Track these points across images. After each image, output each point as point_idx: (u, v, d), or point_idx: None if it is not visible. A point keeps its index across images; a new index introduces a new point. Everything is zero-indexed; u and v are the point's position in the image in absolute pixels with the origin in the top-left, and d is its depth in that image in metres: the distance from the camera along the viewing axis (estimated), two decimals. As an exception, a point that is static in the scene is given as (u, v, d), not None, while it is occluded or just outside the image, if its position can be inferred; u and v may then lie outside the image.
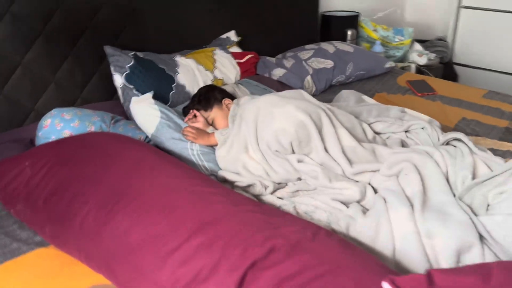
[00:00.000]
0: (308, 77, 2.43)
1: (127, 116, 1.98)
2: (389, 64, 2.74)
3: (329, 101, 2.34)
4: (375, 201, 1.35)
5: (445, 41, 3.86)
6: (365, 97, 2.04)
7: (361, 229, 1.25)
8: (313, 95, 2.43)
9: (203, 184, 1.24)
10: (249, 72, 2.48)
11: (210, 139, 1.74)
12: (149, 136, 1.76)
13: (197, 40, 2.45)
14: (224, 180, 1.64)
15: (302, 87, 2.40)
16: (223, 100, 1.91)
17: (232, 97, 1.98)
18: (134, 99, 1.82)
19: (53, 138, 1.63)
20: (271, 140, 1.53)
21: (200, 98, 1.91)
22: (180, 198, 1.16)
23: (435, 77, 2.97)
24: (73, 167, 1.29)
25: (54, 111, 1.69)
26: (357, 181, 1.50)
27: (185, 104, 1.99)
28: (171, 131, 1.73)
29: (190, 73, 2.16)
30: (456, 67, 3.94)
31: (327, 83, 2.51)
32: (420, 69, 3.24)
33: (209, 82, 2.23)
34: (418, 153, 1.48)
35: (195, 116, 1.84)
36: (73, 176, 1.25)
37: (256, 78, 2.38)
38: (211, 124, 1.87)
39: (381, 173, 1.48)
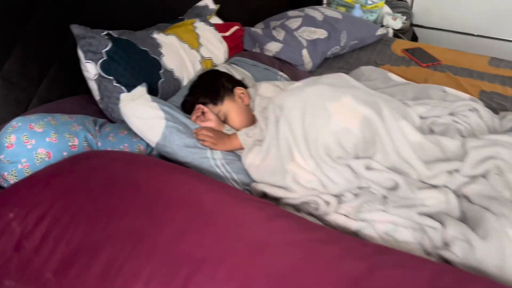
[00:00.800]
0: (304, 51, 2.09)
1: (106, 117, 1.52)
2: (381, 31, 2.48)
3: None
4: (480, 215, 1.09)
5: (405, 1, 3.69)
6: (391, 75, 1.76)
7: (483, 255, 1.00)
8: (309, 72, 2.11)
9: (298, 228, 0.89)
10: (237, 48, 2.08)
11: (232, 142, 1.37)
12: (153, 145, 1.34)
13: (169, 10, 1.99)
14: (263, 195, 1.29)
15: (302, 64, 2.06)
16: (234, 90, 1.52)
17: (243, 84, 1.59)
18: (124, 96, 1.36)
19: (24, 162, 1.16)
20: (331, 144, 1.20)
21: (205, 88, 1.50)
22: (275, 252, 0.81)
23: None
24: (97, 218, 0.87)
25: (16, 122, 1.20)
26: (433, 186, 1.24)
27: (185, 97, 1.56)
28: (183, 137, 1.32)
29: (175, 55, 1.72)
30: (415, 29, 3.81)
31: (322, 56, 2.20)
32: (397, 34, 3.03)
33: (197, 64, 1.81)
34: (504, 146, 1.25)
35: (203, 113, 1.44)
36: (101, 232, 0.84)
37: (248, 55, 1.99)
38: (223, 120, 1.49)
39: (463, 173, 1.23)
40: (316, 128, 1.21)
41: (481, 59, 2.27)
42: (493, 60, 2.26)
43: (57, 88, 1.58)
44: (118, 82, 1.48)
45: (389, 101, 1.36)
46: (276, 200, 1.28)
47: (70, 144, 1.23)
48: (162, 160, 1.18)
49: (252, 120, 1.52)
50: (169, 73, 1.64)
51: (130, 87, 1.49)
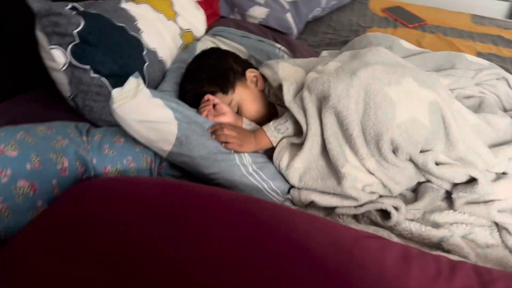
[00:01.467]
0: (288, 15, 1.83)
1: (83, 119, 1.17)
2: (356, -12, 2.27)
3: (317, 47, 1.82)
4: None
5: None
6: (403, 42, 1.57)
7: None
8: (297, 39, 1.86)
9: None
10: (214, 16, 1.76)
11: (260, 141, 1.11)
12: (164, 154, 1.03)
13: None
14: (307, 204, 1.07)
15: (291, 31, 1.80)
16: (246, 73, 1.24)
17: (252, 65, 1.31)
18: (117, 94, 1.01)
19: (0, 203, 0.81)
20: (398, 140, 0.99)
21: (211, 73, 1.20)
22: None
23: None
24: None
25: (-25, 146, 0.84)
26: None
27: (183, 85, 1.24)
28: (204, 141, 1.03)
29: (154, 29, 1.37)
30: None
31: (305, 20, 1.95)
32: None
33: (178, 39, 1.47)
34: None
35: (213, 106, 1.15)
36: None
37: (233, 24, 1.68)
38: (237, 112, 1.21)
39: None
40: (378, 121, 0.99)
41: (462, 17, 2.16)
42: (475, 17, 2.17)
43: (4, 85, 1.18)
44: (96, 72, 1.12)
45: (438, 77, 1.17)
46: (326, 209, 1.06)
47: (59, 167, 0.90)
48: (221, 189, 0.88)
49: (268, 109, 1.26)
50: (153, 54, 1.30)
51: (113, 78, 1.15)
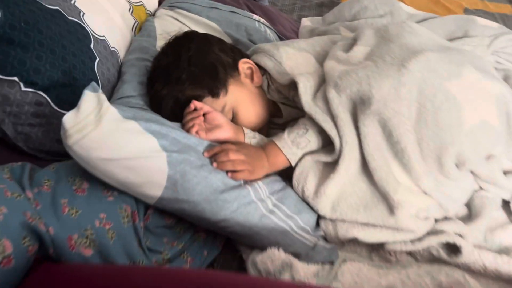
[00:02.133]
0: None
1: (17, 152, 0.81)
2: None
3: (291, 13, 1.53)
4: None
5: None
6: (403, 5, 1.31)
7: None
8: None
9: None
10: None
11: (274, 160, 0.83)
12: (151, 201, 0.72)
13: None
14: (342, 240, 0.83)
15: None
16: (238, 64, 0.93)
17: (242, 52, 0.99)
18: (71, 121, 0.66)
19: None
20: (467, 151, 0.75)
21: (194, 71, 0.87)
22: None
23: None
24: None
25: None
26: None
27: (153, 90, 0.90)
28: (205, 175, 0.73)
29: (97, 8, 0.99)
30: None
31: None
32: None
33: (128, 17, 1.11)
34: None
35: (203, 115, 0.84)
36: None
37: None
38: (232, 119, 0.91)
39: None
40: (440, 129, 0.74)
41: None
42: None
43: None
44: (29, 84, 0.76)
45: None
46: (372, 245, 0.82)
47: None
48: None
49: (269, 110, 0.97)
50: (102, 44, 0.94)
51: (55, 90, 0.79)
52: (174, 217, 0.78)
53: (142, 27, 1.12)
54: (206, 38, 0.93)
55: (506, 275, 0.76)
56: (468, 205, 0.88)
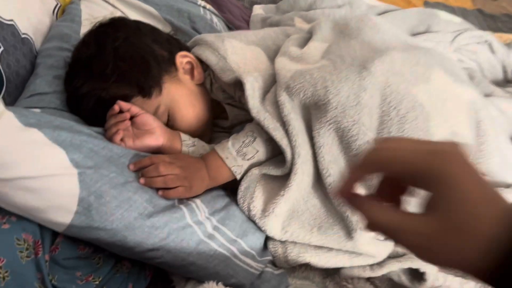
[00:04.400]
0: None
1: None
2: None
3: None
4: None
5: None
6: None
7: None
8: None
9: None
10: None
11: (215, 173, 0.71)
12: (59, 229, 0.58)
13: None
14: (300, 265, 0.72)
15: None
16: (176, 58, 0.79)
17: (180, 43, 0.85)
18: None
19: None
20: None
21: (121, 66, 0.73)
22: None
23: None
24: None
25: None
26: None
27: (72, 88, 0.74)
28: (128, 195, 0.60)
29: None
30: None
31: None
32: None
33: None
34: None
35: (131, 119, 0.71)
36: None
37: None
38: (167, 122, 0.77)
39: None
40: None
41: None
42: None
43: None
44: None
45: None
46: (326, 270, 0.72)
47: None
48: None
49: (211, 111, 0.84)
50: (9, 29, 0.78)
51: None
52: (90, 245, 0.64)
53: (65, 10, 0.95)
54: (136, 27, 0.79)
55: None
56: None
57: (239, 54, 0.78)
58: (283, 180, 0.69)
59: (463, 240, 0.29)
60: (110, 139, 0.68)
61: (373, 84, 0.64)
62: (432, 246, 0.31)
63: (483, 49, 1.14)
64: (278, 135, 0.67)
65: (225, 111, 0.85)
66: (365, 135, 0.64)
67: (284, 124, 0.68)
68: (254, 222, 0.71)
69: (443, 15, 1.17)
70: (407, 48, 0.72)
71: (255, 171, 0.70)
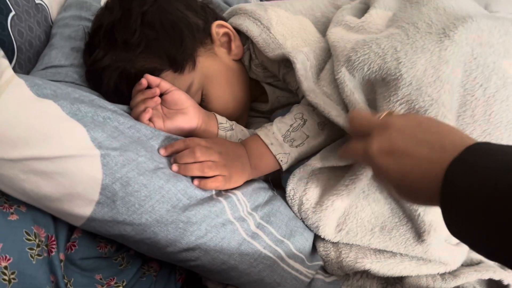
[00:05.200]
0: None
1: None
2: None
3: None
4: None
5: None
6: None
7: None
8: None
9: None
10: None
11: (259, 162, 0.60)
12: (78, 223, 0.48)
13: None
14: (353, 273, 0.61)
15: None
16: (211, 28, 0.68)
17: (216, 13, 0.74)
18: None
19: None
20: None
21: (149, 34, 0.62)
22: None
23: None
24: None
25: None
26: None
27: (93, 59, 0.64)
28: (159, 183, 0.50)
29: None
30: None
31: None
32: None
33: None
34: None
35: (161, 96, 0.60)
36: None
37: None
38: (201, 102, 0.67)
39: None
40: (496, 127, 0.53)
41: None
42: None
43: None
44: None
45: None
46: (385, 280, 0.61)
47: None
48: None
49: (250, 92, 0.74)
50: (22, -9, 0.68)
51: None
52: (112, 243, 0.54)
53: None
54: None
55: None
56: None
57: (285, 24, 0.67)
58: (343, 170, 0.59)
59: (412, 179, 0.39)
60: (137, 118, 0.57)
61: (456, 55, 0.53)
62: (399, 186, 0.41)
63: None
64: (342, 121, 0.57)
65: (264, 92, 0.74)
66: (444, 117, 0.52)
67: (346, 107, 0.57)
68: (302, 220, 0.61)
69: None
70: (491, 16, 0.60)
71: (317, 164, 0.59)
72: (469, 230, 0.34)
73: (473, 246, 0.36)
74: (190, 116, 0.61)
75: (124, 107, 0.59)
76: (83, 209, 0.47)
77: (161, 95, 0.60)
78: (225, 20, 0.73)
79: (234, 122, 0.66)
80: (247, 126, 0.76)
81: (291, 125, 0.61)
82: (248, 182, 0.61)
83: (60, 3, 0.79)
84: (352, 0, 0.75)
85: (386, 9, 0.64)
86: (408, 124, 0.43)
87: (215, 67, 0.67)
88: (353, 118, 0.49)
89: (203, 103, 0.66)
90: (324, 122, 0.60)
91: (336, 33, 0.63)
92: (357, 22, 0.63)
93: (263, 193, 0.60)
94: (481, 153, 0.35)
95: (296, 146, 0.60)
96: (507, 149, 0.34)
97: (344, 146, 0.50)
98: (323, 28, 0.70)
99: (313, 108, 0.61)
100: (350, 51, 0.57)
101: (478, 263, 0.60)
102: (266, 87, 0.73)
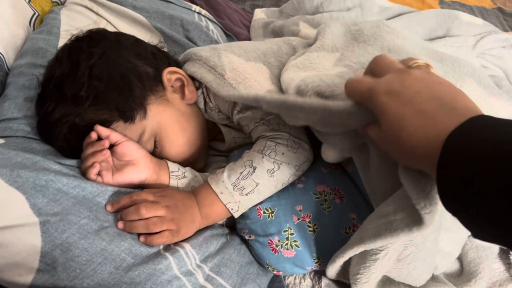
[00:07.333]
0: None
1: None
2: None
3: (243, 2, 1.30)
4: None
5: None
6: (375, -4, 1.10)
7: None
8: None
9: None
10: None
11: (209, 211, 0.61)
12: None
13: None
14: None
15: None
16: (163, 75, 0.68)
17: (169, 56, 0.75)
18: None
19: None
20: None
21: (98, 86, 0.62)
22: None
23: None
24: None
25: None
26: None
27: (44, 112, 0.64)
28: (101, 245, 0.50)
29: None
30: None
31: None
32: None
33: (25, 6, 0.84)
34: None
35: (110, 147, 0.61)
36: None
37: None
38: (154, 150, 0.67)
39: None
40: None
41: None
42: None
43: None
44: None
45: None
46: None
47: None
48: None
49: (207, 134, 0.74)
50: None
51: None
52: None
53: (43, 20, 0.86)
54: (116, 40, 0.68)
55: None
56: (460, 258, 0.69)
57: (237, 69, 0.67)
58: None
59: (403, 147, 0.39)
60: (85, 172, 0.58)
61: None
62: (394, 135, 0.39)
63: (509, 53, 1.03)
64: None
65: (221, 132, 0.75)
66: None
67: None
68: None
69: (464, 16, 1.06)
70: (433, 56, 0.61)
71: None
72: (465, 199, 0.33)
73: (464, 219, 0.34)
74: (139, 168, 0.61)
75: (74, 161, 0.59)
76: (24, 278, 0.47)
77: (112, 146, 0.61)
78: (180, 63, 0.73)
79: (187, 168, 0.66)
80: (206, 164, 0.77)
81: (240, 173, 0.61)
82: (200, 231, 0.61)
83: (17, 48, 0.79)
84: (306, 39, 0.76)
85: (332, 51, 0.64)
86: (428, 79, 0.40)
87: (167, 113, 0.67)
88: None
89: (157, 151, 0.67)
90: (273, 169, 0.61)
91: (287, 76, 0.63)
92: (306, 63, 0.64)
93: (214, 242, 0.61)
94: (492, 122, 0.34)
95: (246, 194, 0.60)
96: None
97: (350, 78, 0.46)
98: (277, 72, 0.70)
99: (262, 156, 0.61)
100: (300, 82, 0.58)
101: None
102: (222, 128, 0.74)
